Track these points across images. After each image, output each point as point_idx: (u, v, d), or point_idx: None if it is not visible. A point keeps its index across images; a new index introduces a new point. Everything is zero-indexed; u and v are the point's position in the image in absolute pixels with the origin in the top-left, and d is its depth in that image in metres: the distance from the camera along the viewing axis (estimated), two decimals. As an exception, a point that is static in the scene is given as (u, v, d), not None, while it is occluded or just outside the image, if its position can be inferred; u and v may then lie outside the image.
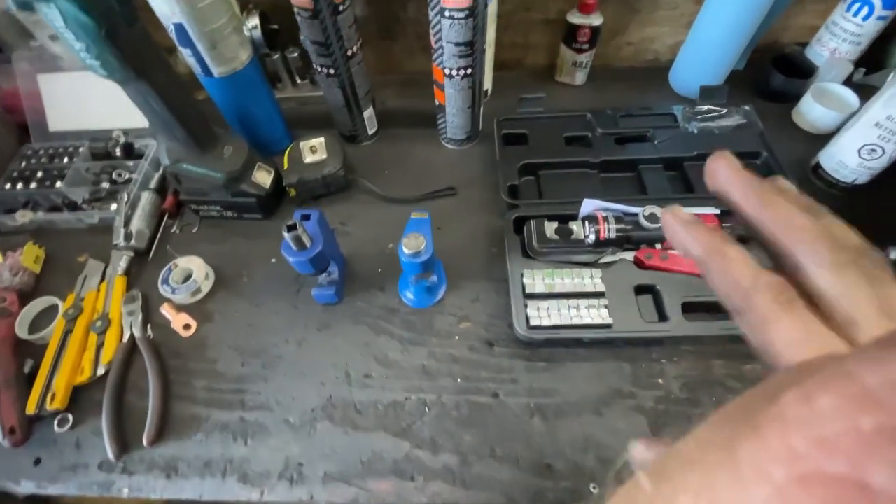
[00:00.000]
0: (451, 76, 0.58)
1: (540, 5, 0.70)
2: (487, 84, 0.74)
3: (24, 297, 0.57)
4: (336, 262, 0.54)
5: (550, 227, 0.55)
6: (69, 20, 0.38)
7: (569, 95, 0.75)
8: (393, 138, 0.72)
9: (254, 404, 0.49)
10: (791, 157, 0.64)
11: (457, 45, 0.53)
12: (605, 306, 0.49)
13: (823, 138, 0.67)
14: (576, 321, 0.48)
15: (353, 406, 0.49)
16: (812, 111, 0.67)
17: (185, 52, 0.54)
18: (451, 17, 0.51)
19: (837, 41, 0.66)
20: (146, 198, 0.62)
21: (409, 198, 0.64)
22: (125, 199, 0.61)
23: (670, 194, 0.59)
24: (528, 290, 0.50)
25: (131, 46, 0.42)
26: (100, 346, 0.52)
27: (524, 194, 0.61)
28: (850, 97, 0.65)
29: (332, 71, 0.59)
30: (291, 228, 0.44)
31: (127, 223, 0.59)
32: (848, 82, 0.68)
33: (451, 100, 0.61)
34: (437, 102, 0.64)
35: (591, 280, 0.51)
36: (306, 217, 0.48)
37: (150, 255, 0.60)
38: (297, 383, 0.50)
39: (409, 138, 0.71)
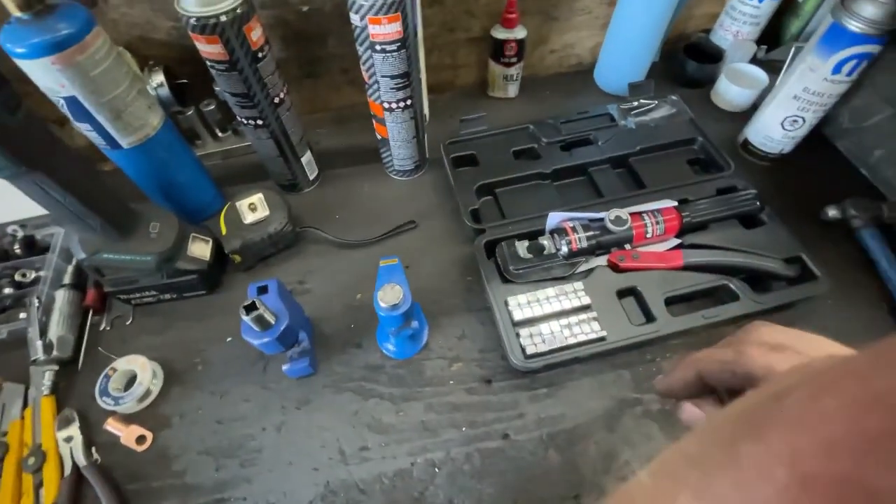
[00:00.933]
0: (390, 109, 0.55)
1: (462, 25, 0.69)
2: (425, 109, 0.72)
3: (-79, 449, 0.46)
4: (303, 329, 0.49)
5: (522, 247, 0.54)
6: (-73, 118, 0.31)
7: (505, 109, 0.75)
8: (336, 179, 0.68)
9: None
10: (719, 136, 0.68)
11: (392, 77, 0.51)
12: (595, 318, 0.48)
13: (742, 115, 0.72)
14: (571, 341, 0.47)
15: (356, 487, 0.44)
16: (729, 91, 0.71)
17: (82, 127, 0.47)
18: (383, 51, 0.48)
19: (738, 24, 0.71)
20: (62, 297, 0.53)
21: (367, 240, 0.60)
22: (36, 304, 0.51)
23: (625, 193, 0.60)
24: (515, 318, 0.48)
25: (17, 137, 0.35)
26: (38, 487, 0.43)
27: (486, 216, 0.60)
28: (760, 74, 0.70)
29: (259, 122, 0.54)
30: (251, 309, 0.38)
31: (44, 332, 0.50)
32: (753, 60, 0.74)
33: (394, 132, 0.58)
34: (378, 136, 0.61)
35: (574, 294, 0.49)
36: (263, 290, 0.43)
37: (80, 364, 0.52)
38: (286, 476, 0.45)
39: (354, 176, 0.68)
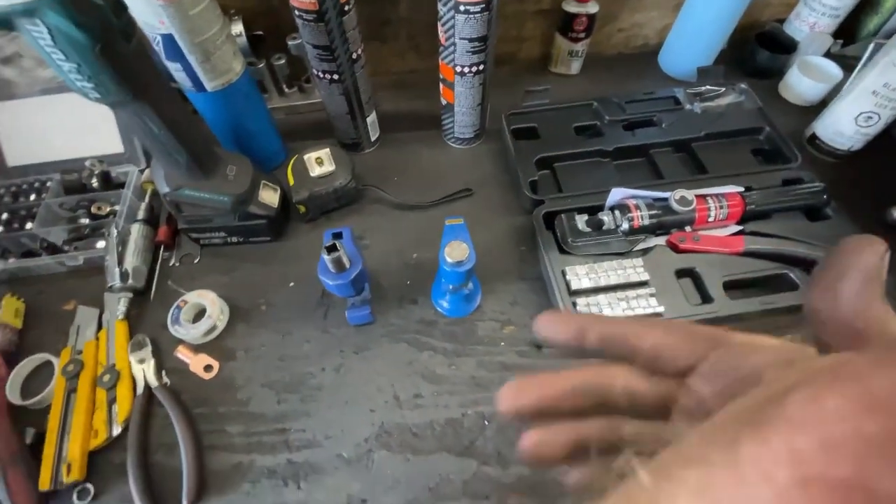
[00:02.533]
0: (462, 73, 0.55)
1: (532, -4, 0.68)
2: (486, 80, 0.72)
3: (9, 357, 0.50)
4: (367, 282, 0.51)
5: (581, 220, 0.54)
6: (59, 37, 0.33)
7: (566, 85, 0.75)
8: (396, 143, 0.69)
9: (300, 443, 0.46)
10: (785, 129, 0.66)
11: (471, 40, 0.51)
12: (652, 294, 0.49)
13: (808, 109, 0.70)
14: (628, 314, 0.47)
15: (409, 430, 0.46)
16: (800, 84, 0.69)
17: (172, 67, 0.49)
18: (467, 12, 0.48)
19: (816, 15, 0.69)
20: (136, 230, 0.56)
21: (424, 203, 0.61)
22: (114, 233, 0.54)
23: (686, 176, 0.60)
24: (573, 287, 0.49)
25: (129, 64, 0.37)
26: (112, 403, 0.47)
27: (543, 189, 0.60)
28: (833, 69, 0.68)
29: (335, 76, 0.55)
30: (332, 250, 0.40)
31: (120, 261, 0.53)
32: (826, 55, 0.71)
33: (461, 98, 0.59)
34: (443, 101, 0.62)
35: (633, 270, 0.50)
36: (338, 235, 0.45)
37: (151, 294, 0.55)
38: (343, 413, 0.47)
39: (413, 141, 0.69)
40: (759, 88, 0.71)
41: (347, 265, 0.43)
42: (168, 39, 0.45)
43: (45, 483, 0.41)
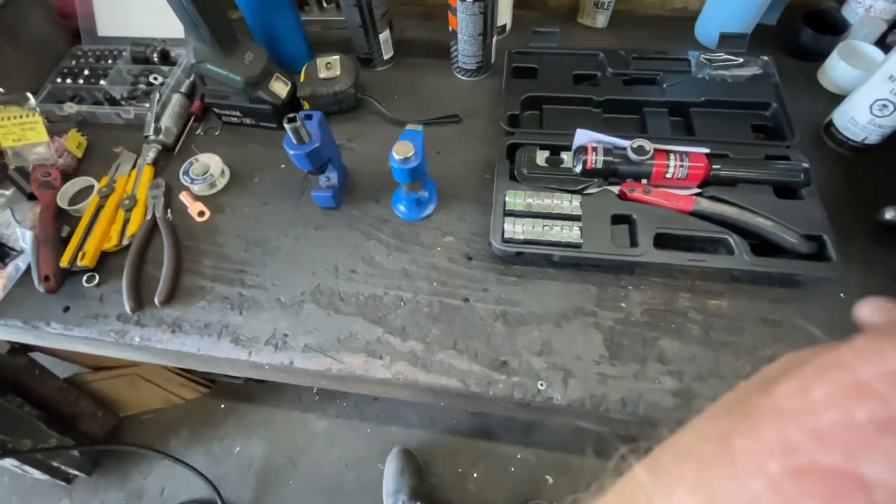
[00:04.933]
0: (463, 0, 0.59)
1: (567, -60, 0.69)
2: (507, 20, 0.74)
3: (66, 176, 0.64)
4: (337, 170, 0.58)
5: (542, 156, 0.57)
6: None
7: (588, 37, 0.75)
8: (407, 66, 0.74)
9: (252, 283, 0.55)
10: (808, 115, 0.63)
11: (469, -35, 0.55)
12: (579, 228, 0.51)
13: (843, 101, 0.65)
14: (547, 238, 0.51)
15: (338, 294, 0.54)
16: (836, 69, 0.64)
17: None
18: (464, -66, 0.52)
19: (875, -4, 0.63)
20: (176, 100, 0.68)
21: (414, 121, 0.67)
22: (157, 97, 0.66)
23: (670, 135, 0.60)
24: (508, 208, 0.53)
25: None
26: (126, 221, 0.59)
27: (524, 125, 0.63)
28: (879, 56, 0.62)
29: (349, -14, 0.61)
30: (291, 121, 0.48)
31: (157, 119, 0.65)
32: (881, 44, 0.65)
33: (463, 25, 0.63)
34: (450, 29, 0.66)
35: (569, 203, 0.53)
36: (308, 117, 0.52)
37: (176, 151, 0.67)
38: (291, 270, 0.56)
39: (423, 67, 0.74)
40: (797, 70, 0.68)
41: (307, 140, 0.50)
42: (211, -69, 0.54)
43: (64, 261, 0.55)
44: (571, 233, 0.51)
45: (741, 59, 0.64)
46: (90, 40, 0.77)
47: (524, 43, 0.70)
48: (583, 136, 0.56)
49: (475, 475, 1.35)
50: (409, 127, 0.53)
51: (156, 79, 0.71)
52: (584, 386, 0.47)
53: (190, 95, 0.70)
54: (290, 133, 0.49)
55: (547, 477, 1.34)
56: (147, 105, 0.67)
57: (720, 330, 0.49)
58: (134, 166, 0.65)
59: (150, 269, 0.57)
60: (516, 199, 0.53)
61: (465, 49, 0.66)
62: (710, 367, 0.47)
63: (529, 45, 0.68)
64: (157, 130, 0.64)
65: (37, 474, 1.33)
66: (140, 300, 0.54)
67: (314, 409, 1.47)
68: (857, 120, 0.57)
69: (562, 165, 0.57)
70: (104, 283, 0.56)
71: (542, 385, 0.47)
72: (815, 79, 0.68)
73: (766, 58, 0.63)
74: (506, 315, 0.51)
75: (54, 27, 0.76)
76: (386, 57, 0.72)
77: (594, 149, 0.54)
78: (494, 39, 0.67)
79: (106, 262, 0.58)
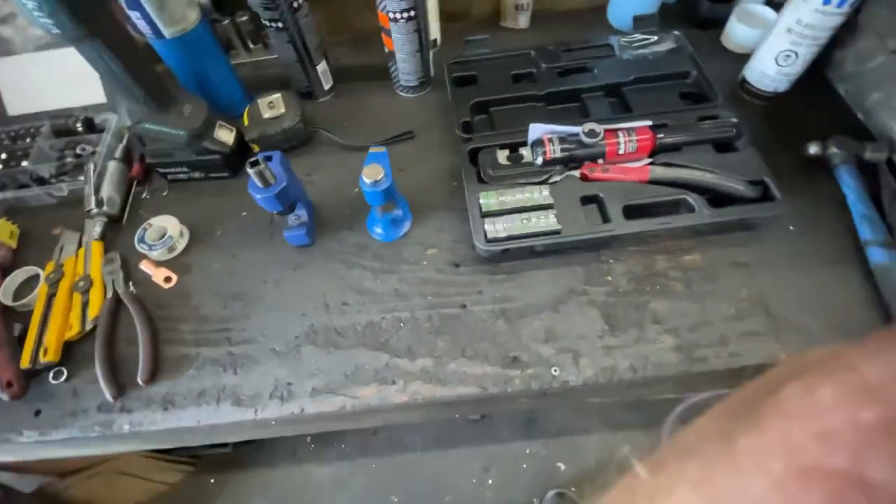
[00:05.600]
0: (395, 20, 0.60)
1: (477, -49, 0.72)
2: (436, 34, 0.77)
3: (3, 270, 0.59)
4: (304, 206, 0.57)
5: (502, 155, 0.59)
6: (16, -25, 0.39)
7: (514, 39, 0.79)
8: (349, 93, 0.74)
9: (240, 339, 0.53)
10: (722, 77, 0.69)
11: (396, -14, 0.56)
12: (554, 215, 0.53)
13: (750, 58, 0.72)
14: (528, 230, 0.52)
15: (334, 330, 0.53)
16: (737, 31, 0.72)
17: (133, 15, 0.55)
18: (388, -42, 0.53)
19: (754, -37, 0.71)
20: (113, 167, 0.64)
21: (369, 144, 0.67)
22: (93, 167, 0.62)
23: (611, 115, 0.64)
24: (484, 210, 0.55)
25: (84, 3, 0.44)
26: (85, 304, 0.55)
27: (478, 129, 0.65)
28: (770, 14, 0.70)
29: (280, 25, 0.61)
30: (254, 164, 0.47)
31: (97, 190, 0.61)
32: (770, 3, 0.73)
33: (399, 44, 0.64)
34: (386, 49, 0.67)
35: (540, 194, 0.55)
36: (268, 158, 0.51)
37: (124, 220, 0.62)
38: (278, 317, 0.54)
39: (365, 91, 0.74)
40: (701, 39, 0.74)
41: (272, 181, 0.49)
42: (125, -12, 0.52)
43: (24, 361, 0.50)
44: (549, 221, 0.53)
45: (655, 38, 0.69)
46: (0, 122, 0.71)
47: (457, 53, 0.72)
48: (537, 130, 0.59)
49: (490, 481, 1.35)
50: (372, 150, 0.53)
51: (84, 149, 0.67)
52: (593, 362, 0.49)
53: (127, 160, 0.66)
54: (254, 177, 0.48)
55: (559, 464, 1.36)
56: (82, 178, 0.63)
57: (699, 281, 0.53)
58: (80, 245, 0.60)
59: (124, 348, 0.53)
60: (490, 199, 0.55)
61: (405, 67, 0.67)
62: (699, 316, 0.51)
63: (464, 55, 0.70)
64: (100, 202, 0.60)
65: None
66: (121, 384, 0.50)
67: (312, 458, 1.41)
68: (766, 73, 0.64)
69: (523, 161, 0.59)
70: (75, 375, 0.52)
71: (555, 371, 0.49)
72: (720, 44, 0.75)
73: (677, 32, 0.69)
74: (505, 312, 0.52)
75: (-46, 115, 0.69)
76: (326, 87, 0.72)
77: (550, 140, 0.57)
78: (430, 54, 0.69)
79: (72, 353, 0.53)
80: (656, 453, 0.15)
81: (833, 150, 0.58)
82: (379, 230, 0.58)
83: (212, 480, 1.40)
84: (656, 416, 1.35)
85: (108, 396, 0.49)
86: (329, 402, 0.48)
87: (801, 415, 0.11)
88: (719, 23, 0.75)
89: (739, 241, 0.55)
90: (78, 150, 0.67)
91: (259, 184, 0.48)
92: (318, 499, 1.35)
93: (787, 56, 0.60)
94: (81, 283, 0.56)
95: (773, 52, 0.61)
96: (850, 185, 0.56)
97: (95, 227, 0.60)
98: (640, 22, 0.70)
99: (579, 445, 1.38)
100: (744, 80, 0.67)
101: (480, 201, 0.55)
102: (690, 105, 0.65)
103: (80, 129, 0.68)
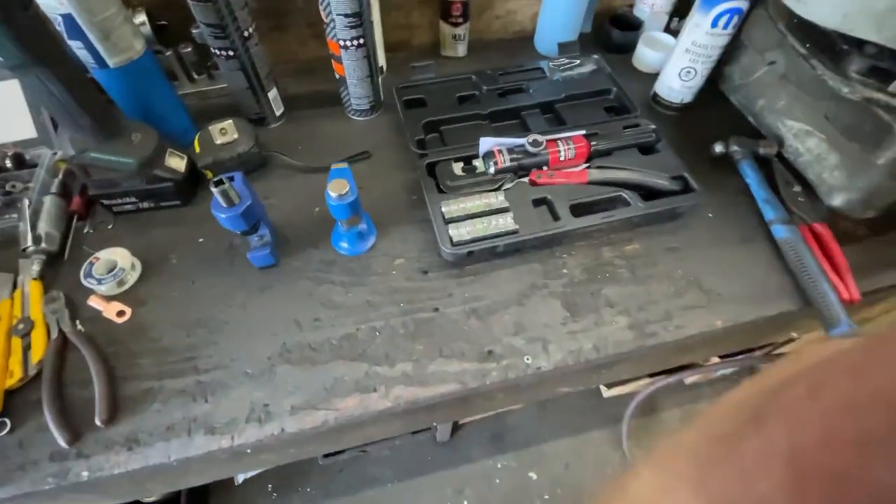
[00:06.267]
0: (346, 47, 0.64)
1: (415, -13, 0.79)
2: (382, 62, 0.81)
3: (-80, 321, 0.52)
4: (266, 226, 0.57)
5: (457, 167, 0.64)
6: (-45, 2, 0.38)
7: (455, 66, 0.85)
8: (300, 119, 0.76)
9: (208, 366, 0.51)
10: (637, 93, 0.79)
11: (346, 16, 0.60)
12: (511, 217, 0.58)
13: (656, 76, 0.83)
14: (489, 232, 0.56)
15: (308, 346, 0.52)
16: (645, 55, 0.83)
17: (74, 45, 0.54)
18: (337, -9, 0.57)
19: (653, -1, 0.83)
20: (50, 201, 0.60)
21: (326, 166, 0.68)
22: (26, 203, 0.58)
23: (549, 128, 0.71)
24: (447, 216, 0.58)
25: (27, 31, 0.43)
26: (27, 349, 0.50)
27: (430, 147, 0.69)
28: (670, 40, 0.82)
29: (230, 53, 0.62)
30: (219, 183, 0.47)
31: (34, 227, 0.57)
32: (668, 30, 0.86)
33: (350, 70, 0.67)
34: (337, 76, 0.70)
35: (496, 199, 0.59)
36: (230, 178, 0.51)
37: (65, 257, 0.59)
38: (248, 339, 0.53)
39: (317, 117, 0.76)
40: (617, 62, 0.85)
41: (237, 201, 0.49)
42: (68, 18, 0.51)
43: (-42, 415, 0.45)
44: (507, 222, 0.57)
45: (578, 61, 0.78)
46: None
47: (404, 79, 0.76)
48: (487, 143, 0.64)
49: (465, 502, 1.33)
50: (334, 166, 0.55)
51: (14, 186, 0.62)
52: (561, 347, 0.53)
53: (64, 194, 0.62)
54: (218, 197, 0.48)
55: (531, 474, 1.38)
56: (14, 216, 0.59)
57: (641, 267, 0.59)
58: (15, 287, 0.55)
59: (76, 391, 0.49)
60: (451, 206, 0.58)
61: (357, 91, 0.71)
62: (646, 297, 0.57)
63: (412, 79, 0.75)
64: (37, 239, 0.56)
65: None
66: (75, 429, 0.46)
67: (275, 507, 1.31)
68: (672, 87, 0.74)
69: (477, 171, 0.63)
70: (19, 426, 0.47)
71: (528, 359, 0.52)
72: (631, 65, 0.86)
73: (596, 56, 0.79)
74: (475, 311, 0.55)
75: None
76: (278, 113, 0.73)
77: (500, 151, 0.62)
78: (379, 79, 0.73)
79: (14, 403, 0.48)
80: (658, 453, 0.15)
81: (734, 147, 0.69)
82: (345, 245, 0.60)
83: (160, 552, 1.25)
84: (613, 415, 1.41)
85: (62, 443, 0.45)
86: (310, 418, 0.48)
87: (803, 418, 0.11)
88: (630, 48, 0.87)
89: (669, 229, 0.63)
90: (7, 188, 0.62)
91: (223, 203, 0.48)
92: (285, 551, 1.25)
93: (688, 72, 0.71)
94: (21, 326, 0.51)
95: (676, 69, 0.72)
96: (751, 176, 0.66)
97: (33, 266, 0.56)
98: (563, 48, 0.79)
99: (547, 453, 1.41)
100: (655, 95, 0.78)
101: (443, 209, 0.58)
102: (614, 117, 0.73)
103: (9, 165, 0.63)
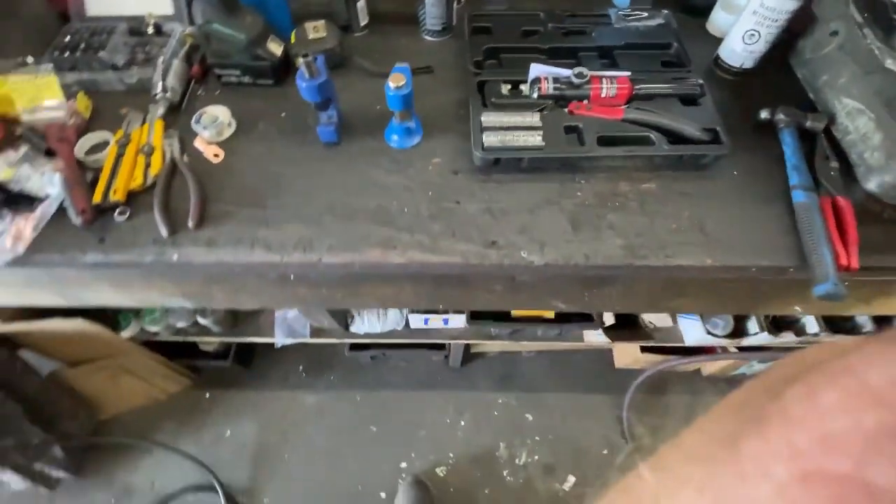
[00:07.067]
0: (429, -33, 0.72)
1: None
2: (462, -10, 0.88)
3: (78, 134, 0.70)
4: (335, 109, 0.69)
5: (505, 88, 0.71)
6: None
7: (528, 2, 0.90)
8: (381, 32, 0.86)
9: (272, 206, 0.64)
10: (702, 56, 0.81)
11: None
12: (540, 135, 0.65)
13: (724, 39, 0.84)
14: (516, 143, 0.64)
15: (350, 207, 0.64)
16: (719, 18, 0.83)
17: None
18: None
19: (739, -40, 0.83)
20: (176, 64, 0.75)
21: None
22: (160, 59, 0.74)
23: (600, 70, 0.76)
24: (484, 125, 0.66)
25: None
26: (147, 165, 0.66)
27: (486, 69, 0.77)
28: (747, 6, 0.82)
29: (333, -41, 0.72)
30: (305, 56, 0.58)
31: (163, 81, 0.73)
32: (749, -3, 0.85)
33: (429, -11, 0.75)
34: (418, -6, 0.79)
35: (531, 118, 0.67)
36: (314, 58, 0.63)
37: (182, 108, 0.74)
38: (305, 195, 0.65)
39: (394, 32, 0.86)
40: (689, 23, 0.86)
41: (316, 75, 0.61)
42: None
43: (97, 197, 0.61)
44: (536, 139, 0.64)
45: (647, 13, 0.81)
46: (79, 20, 0.82)
47: (478, 8, 0.83)
48: (536, 70, 0.70)
49: (462, 423, 1.46)
50: (397, 65, 0.65)
51: (151, 49, 0.78)
52: (556, 250, 0.60)
53: (188, 61, 0.77)
54: (303, 68, 0.59)
55: (527, 415, 1.48)
56: (151, 70, 0.74)
57: (652, 203, 0.64)
58: (145, 122, 0.72)
59: (177, 202, 0.64)
60: (490, 117, 0.66)
61: (433, 12, 0.79)
62: (647, 228, 0.62)
63: (484, 9, 0.82)
64: (165, 89, 0.72)
65: (15, 483, 1.29)
66: (173, 226, 0.62)
67: (302, 385, 1.52)
68: (735, 50, 0.75)
69: (522, 94, 0.70)
70: (136, 216, 0.63)
71: (524, 254, 0.60)
72: (705, 30, 0.87)
73: (666, 11, 0.81)
74: (490, 210, 0.64)
75: (46, 7, 0.81)
76: (363, 24, 0.83)
77: (546, 79, 0.69)
78: (455, 5, 0.80)
79: (134, 200, 0.64)
80: (659, 455, 0.15)
81: (780, 115, 0.70)
82: (395, 137, 0.70)
83: (207, 395, 1.51)
84: (621, 385, 1.46)
85: (164, 233, 0.61)
86: (342, 256, 0.60)
87: (804, 419, 0.11)
88: (707, 11, 0.87)
89: (690, 177, 0.67)
90: (147, 49, 0.78)
91: (306, 74, 0.60)
92: (304, 422, 1.46)
93: (752, 35, 0.72)
94: (145, 148, 0.67)
95: (741, 31, 0.73)
96: (789, 144, 0.68)
97: (159, 109, 0.71)
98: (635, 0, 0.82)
99: (547, 402, 1.50)
100: (717, 58, 0.79)
101: (482, 118, 0.66)
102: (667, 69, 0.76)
103: (150, 32, 0.79)
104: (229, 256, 0.60)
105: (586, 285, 0.64)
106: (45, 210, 0.62)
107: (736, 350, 1.25)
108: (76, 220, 0.60)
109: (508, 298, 0.71)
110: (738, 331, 1.18)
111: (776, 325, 1.10)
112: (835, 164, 0.67)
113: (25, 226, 0.61)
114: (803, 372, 0.13)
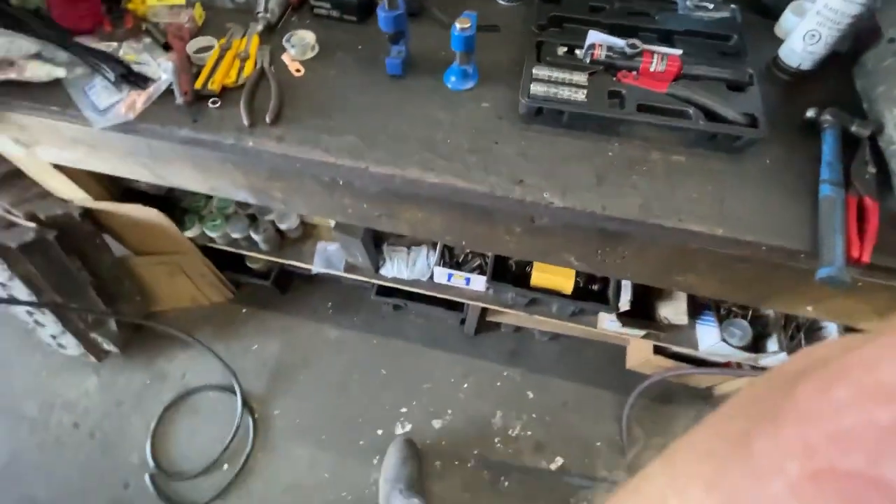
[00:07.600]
0: (513, -69, 0.79)
1: None
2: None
3: (191, 37, 0.83)
4: (405, 45, 0.77)
5: (561, 49, 0.77)
6: None
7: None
8: (460, -8, 0.94)
9: (336, 120, 0.74)
10: (763, 54, 0.83)
11: None
12: (584, 93, 0.70)
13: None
14: (561, 97, 0.70)
15: (401, 132, 0.72)
16: (788, 21, 0.84)
17: None
18: None
19: (820, -34, 0.83)
20: (279, -9, 0.86)
21: (463, 28, 0.86)
22: (266, -15, 0.85)
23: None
24: (534, 76, 0.72)
25: None
26: (241, 68, 0.77)
27: (548, 32, 0.83)
28: (819, 12, 0.83)
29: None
30: (389, -13, 0.67)
31: (266, 2, 0.84)
32: (824, 5, 0.85)
33: (510, -45, 0.82)
34: (498, -41, 0.85)
35: (579, 77, 0.72)
36: (397, -4, 0.71)
37: (277, 28, 0.85)
38: (365, 116, 0.74)
39: (472, -6, 0.93)
40: (757, 22, 0.88)
41: (395, 7, 0.69)
42: None
43: (199, 83, 0.73)
44: (579, 96, 0.70)
45: (714, 5, 0.84)
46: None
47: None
48: (593, 37, 0.75)
49: (465, 385, 1.53)
50: (466, 12, 0.72)
51: (260, -23, 0.90)
52: (576, 197, 0.66)
53: (288, -9, 0.89)
54: (385, 1, 0.68)
55: (528, 393, 1.52)
56: (255, -8, 0.86)
57: (678, 174, 0.68)
58: (244, 35, 0.83)
59: (259, 102, 0.75)
60: (540, 70, 0.72)
61: (508, -24, 0.86)
62: (667, 193, 0.66)
63: (557, -19, 0.87)
64: (266, 10, 0.83)
65: (70, 349, 1.48)
66: (253, 119, 0.72)
67: (328, 320, 1.64)
68: (794, 49, 0.77)
69: (576, 58, 0.76)
70: (225, 107, 0.74)
71: (546, 195, 0.66)
72: (773, 31, 0.88)
73: (734, 6, 0.83)
74: (524, 154, 0.70)
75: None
76: (444, -20, 0.91)
77: (600, 45, 0.74)
78: (530, -27, 0.87)
79: (226, 94, 0.76)
80: (669, 452, 0.15)
81: (826, 116, 0.71)
82: (453, 79, 0.77)
83: (244, 310, 1.66)
84: (627, 385, 1.47)
85: (245, 122, 0.71)
86: (386, 168, 0.68)
87: (816, 416, 0.11)
88: (777, 12, 0.88)
89: (722, 158, 0.70)
90: (258, -24, 0.90)
91: (386, 5, 0.69)
92: (323, 352, 1.58)
93: (812, 35, 0.73)
94: (241, 55, 0.78)
95: (803, 31, 0.74)
96: (829, 143, 0.69)
97: (258, 26, 0.83)
98: (706, -10, 0.85)
99: (551, 386, 1.54)
100: (776, 57, 0.81)
101: (534, 70, 0.73)
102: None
103: (261, -38, 0.91)
104: (294, 151, 0.70)
105: (600, 240, 0.69)
106: (156, 88, 0.74)
107: (750, 368, 1.24)
108: (179, 99, 0.72)
109: (526, 244, 0.77)
110: (756, 346, 1.17)
111: (796, 344, 1.09)
112: (872, 169, 0.68)
113: (138, 99, 0.73)
114: (815, 367, 0.13)
